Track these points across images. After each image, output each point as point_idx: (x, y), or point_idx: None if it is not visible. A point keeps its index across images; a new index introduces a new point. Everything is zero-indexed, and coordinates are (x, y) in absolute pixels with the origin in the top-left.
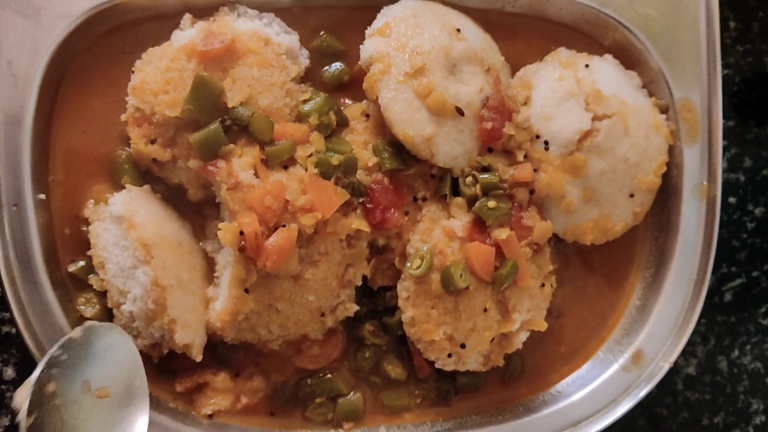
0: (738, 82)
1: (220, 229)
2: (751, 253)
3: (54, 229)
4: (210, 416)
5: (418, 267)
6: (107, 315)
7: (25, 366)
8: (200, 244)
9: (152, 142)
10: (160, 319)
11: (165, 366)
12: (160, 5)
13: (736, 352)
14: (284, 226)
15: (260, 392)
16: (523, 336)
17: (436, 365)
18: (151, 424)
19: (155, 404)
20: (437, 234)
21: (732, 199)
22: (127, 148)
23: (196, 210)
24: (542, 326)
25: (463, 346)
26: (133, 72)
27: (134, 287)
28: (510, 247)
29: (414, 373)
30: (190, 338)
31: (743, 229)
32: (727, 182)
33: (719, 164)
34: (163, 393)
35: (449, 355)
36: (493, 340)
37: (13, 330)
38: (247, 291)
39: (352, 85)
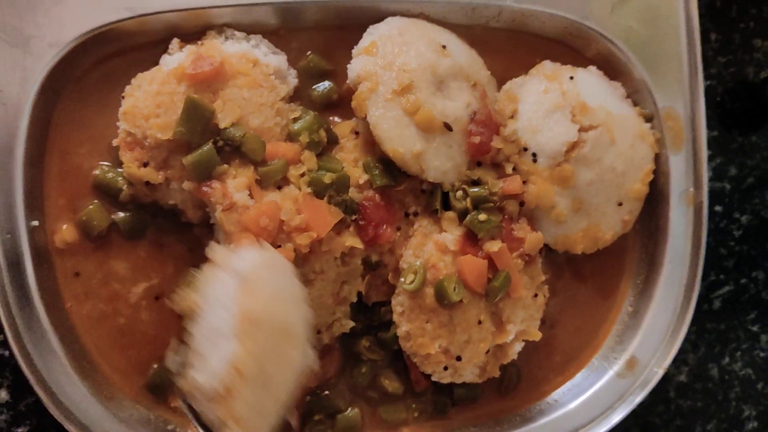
0: (721, 93)
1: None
2: (739, 261)
3: (49, 251)
4: None
5: (412, 282)
6: None
7: (18, 389)
8: None
9: (145, 165)
10: (221, 408)
11: (156, 386)
12: (148, 30)
13: (727, 359)
14: (279, 246)
15: None
16: (518, 346)
17: (433, 378)
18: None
19: (153, 427)
20: (429, 248)
21: (718, 208)
22: (103, 165)
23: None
24: (536, 336)
25: (458, 358)
26: (123, 97)
27: (213, 356)
28: (502, 259)
29: (411, 386)
30: None
31: (730, 237)
32: (713, 191)
33: (705, 170)
34: (156, 409)
35: (445, 368)
36: (488, 351)
37: (7, 353)
38: None
39: (341, 103)
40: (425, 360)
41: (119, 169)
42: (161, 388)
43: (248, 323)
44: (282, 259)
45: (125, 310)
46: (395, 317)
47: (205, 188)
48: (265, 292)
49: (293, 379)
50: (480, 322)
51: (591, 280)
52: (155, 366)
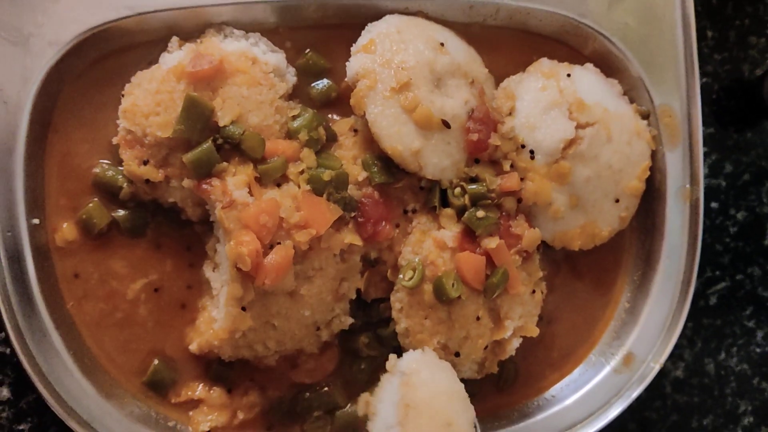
0: (717, 90)
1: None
2: (735, 257)
3: (50, 250)
4: None
5: (411, 278)
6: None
7: (20, 386)
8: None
9: (145, 163)
10: None
11: (159, 383)
12: (148, 29)
13: (723, 355)
14: (279, 243)
15: (256, 407)
16: (516, 342)
17: None
18: (113, 427)
19: (154, 423)
20: (428, 245)
21: (714, 204)
22: (103, 163)
23: (183, 232)
24: (534, 332)
25: (457, 354)
26: (123, 95)
27: None
28: (500, 255)
29: None
30: None
31: (726, 233)
32: (709, 188)
33: (701, 166)
34: (156, 405)
35: None
36: (486, 347)
37: (8, 350)
38: (244, 309)
39: (340, 101)
40: None
41: (119, 167)
42: (161, 385)
43: (406, 408)
44: (442, 361)
45: (125, 307)
46: (394, 314)
47: (204, 186)
48: (426, 381)
49: None
50: (478, 318)
51: (588, 276)
52: (156, 362)
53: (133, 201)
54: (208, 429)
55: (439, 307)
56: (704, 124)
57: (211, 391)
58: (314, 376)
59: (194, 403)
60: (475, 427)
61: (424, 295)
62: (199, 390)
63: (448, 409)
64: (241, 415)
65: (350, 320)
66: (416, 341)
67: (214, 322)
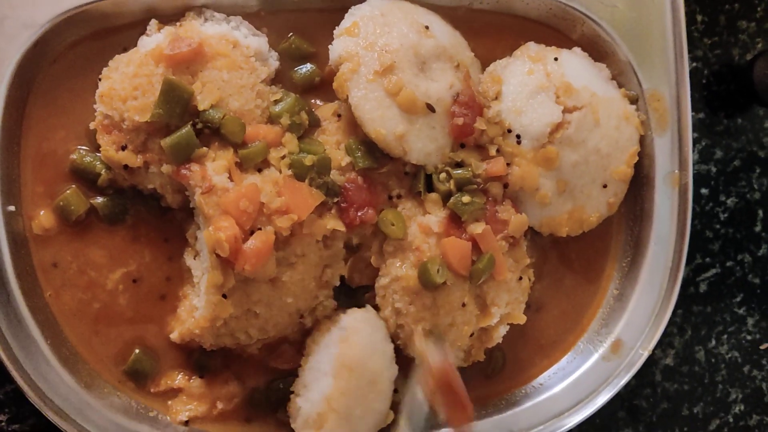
0: (707, 75)
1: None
2: (725, 244)
3: (27, 238)
4: (186, 423)
5: (395, 264)
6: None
7: None
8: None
9: (123, 148)
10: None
11: (139, 372)
12: (125, 12)
13: (713, 342)
14: (260, 229)
15: (236, 397)
16: (503, 330)
17: (417, 362)
18: (115, 428)
19: (134, 413)
20: (413, 230)
21: (704, 191)
22: (80, 149)
23: (163, 219)
24: (521, 320)
25: None
26: (100, 79)
27: (314, 389)
28: (486, 241)
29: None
30: None
31: (716, 219)
32: (699, 174)
33: (690, 152)
34: (133, 393)
35: None
36: (472, 335)
37: None
38: (224, 296)
39: (323, 86)
40: (408, 341)
41: (97, 154)
42: (141, 374)
43: (342, 366)
44: (380, 321)
45: (103, 297)
46: (378, 300)
47: (183, 171)
48: (362, 342)
49: (375, 425)
50: (464, 305)
51: (576, 262)
52: (137, 351)
53: (111, 188)
54: (186, 419)
55: (424, 293)
56: (694, 109)
57: (191, 381)
58: (295, 362)
59: (173, 393)
60: (396, 389)
61: (409, 281)
62: (178, 379)
63: (375, 367)
64: (220, 405)
65: (333, 305)
66: (400, 327)
67: (196, 311)
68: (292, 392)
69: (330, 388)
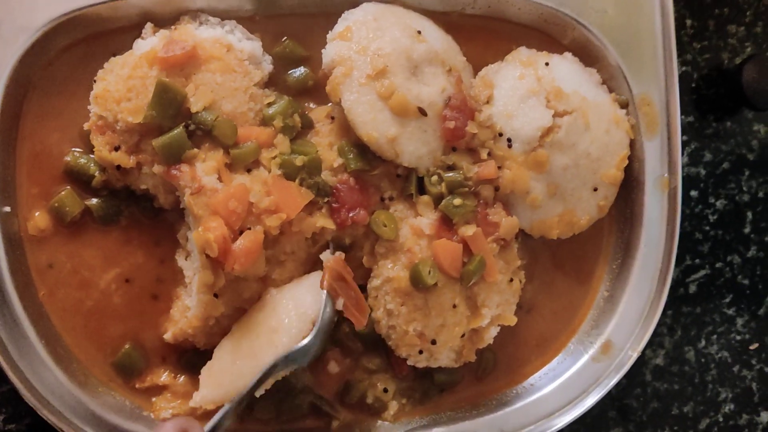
0: (696, 79)
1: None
2: (714, 245)
3: (22, 239)
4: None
5: (387, 266)
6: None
7: None
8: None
9: (116, 149)
10: None
11: (127, 366)
12: (122, 15)
13: (703, 342)
14: (249, 228)
15: None
16: (494, 331)
17: (408, 362)
18: (110, 427)
19: (112, 405)
20: (405, 232)
21: (694, 193)
22: (75, 151)
23: (156, 219)
24: (512, 321)
25: (433, 342)
26: (95, 81)
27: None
28: (477, 243)
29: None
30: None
31: (705, 221)
32: (689, 176)
33: (679, 156)
34: (119, 389)
35: (420, 352)
36: (463, 335)
37: None
38: (216, 295)
39: (317, 89)
40: (400, 342)
41: (91, 156)
42: (129, 369)
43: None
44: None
45: (97, 296)
46: (370, 301)
47: (174, 172)
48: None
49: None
50: (455, 306)
51: (567, 264)
52: (127, 346)
53: (105, 189)
54: (169, 416)
55: (415, 294)
56: (684, 112)
57: (177, 378)
58: None
59: (158, 390)
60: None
61: (400, 282)
62: (164, 376)
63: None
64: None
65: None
66: (391, 327)
67: (188, 311)
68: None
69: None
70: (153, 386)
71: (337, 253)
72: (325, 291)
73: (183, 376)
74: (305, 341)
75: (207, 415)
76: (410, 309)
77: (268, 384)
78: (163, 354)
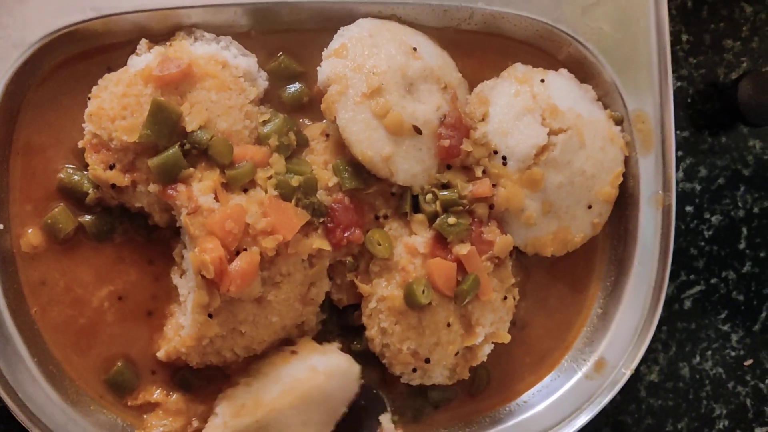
0: (692, 94)
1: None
2: (709, 261)
3: (14, 255)
4: None
5: (382, 285)
6: None
7: None
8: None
9: (111, 167)
10: None
11: (119, 384)
12: (116, 31)
13: (698, 358)
14: (245, 249)
15: None
16: (488, 348)
17: (402, 380)
18: None
19: (104, 423)
20: (399, 251)
21: (689, 208)
22: (68, 168)
23: (150, 237)
24: (506, 339)
25: (427, 360)
26: (89, 98)
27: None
28: (471, 262)
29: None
30: None
31: (700, 237)
32: (684, 192)
33: (673, 173)
34: (111, 407)
35: (414, 370)
36: (457, 353)
37: None
38: (210, 316)
39: (312, 106)
40: (393, 361)
41: (85, 172)
42: (121, 387)
43: (298, 390)
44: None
45: (90, 314)
46: (365, 320)
47: (170, 191)
48: (326, 390)
49: None
50: (449, 325)
51: (561, 281)
52: (119, 364)
53: (99, 206)
54: None
55: (409, 313)
56: (679, 127)
57: (170, 396)
58: None
59: (150, 407)
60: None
61: (395, 301)
62: (156, 394)
63: (315, 415)
64: (195, 423)
65: (318, 325)
66: (385, 346)
67: (182, 329)
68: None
69: (275, 395)
70: (145, 404)
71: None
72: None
73: (175, 394)
74: None
75: None
76: (404, 328)
77: None
78: (152, 368)
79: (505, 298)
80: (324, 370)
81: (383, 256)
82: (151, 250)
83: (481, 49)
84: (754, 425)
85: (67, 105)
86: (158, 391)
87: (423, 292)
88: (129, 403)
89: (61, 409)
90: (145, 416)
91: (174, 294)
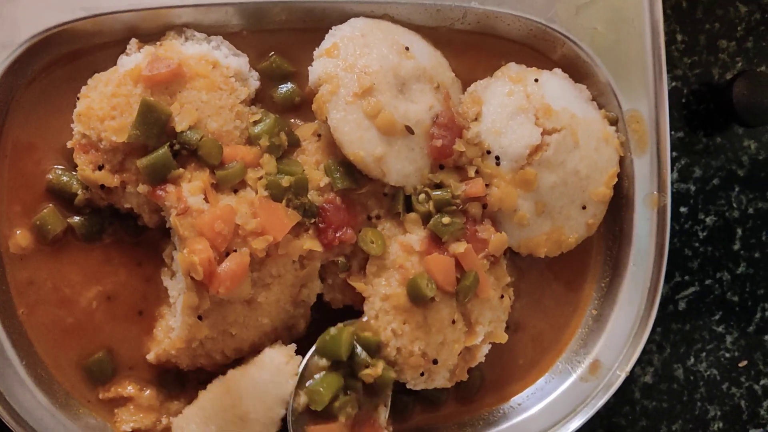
0: (686, 94)
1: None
2: (704, 262)
3: (2, 257)
4: None
5: (383, 284)
6: None
7: None
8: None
9: (100, 168)
10: None
11: (95, 373)
12: (106, 30)
13: (692, 360)
14: (235, 250)
15: None
16: (486, 349)
17: (408, 386)
18: None
19: (93, 427)
20: (395, 249)
21: (683, 209)
22: (57, 168)
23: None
24: (503, 338)
25: (435, 362)
26: (78, 98)
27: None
28: (468, 259)
29: None
30: None
31: (695, 238)
32: (678, 192)
33: (668, 173)
34: (82, 398)
35: (421, 374)
36: (459, 354)
37: None
38: (200, 318)
39: (303, 106)
40: (405, 366)
41: (74, 173)
42: (97, 376)
43: (222, 383)
44: (291, 374)
45: (78, 314)
46: (372, 323)
47: (159, 192)
48: (254, 379)
49: None
50: (454, 322)
51: (555, 283)
52: (100, 354)
53: (88, 207)
54: (130, 429)
55: (415, 310)
56: (674, 128)
57: (143, 391)
58: None
59: (122, 401)
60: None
61: (399, 299)
62: (129, 388)
63: (249, 408)
64: (164, 421)
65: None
66: (397, 349)
67: (172, 332)
68: None
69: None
70: (117, 397)
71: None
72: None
73: (149, 390)
74: None
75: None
76: (413, 327)
77: None
78: (131, 365)
79: (502, 296)
80: (255, 360)
81: (377, 254)
82: (140, 252)
83: (475, 49)
84: (748, 427)
85: (56, 105)
86: (131, 386)
87: (427, 285)
88: (100, 395)
89: (50, 413)
90: (116, 410)
91: (164, 296)
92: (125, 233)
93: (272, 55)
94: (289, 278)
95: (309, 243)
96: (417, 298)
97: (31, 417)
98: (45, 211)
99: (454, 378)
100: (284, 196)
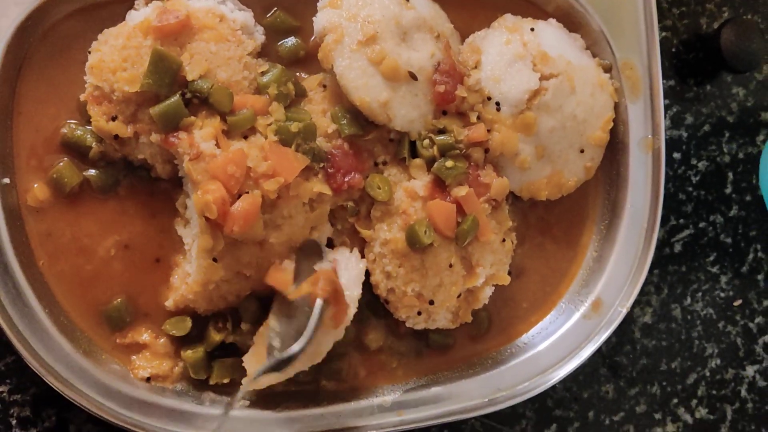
0: (676, 44)
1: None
2: (697, 205)
3: (21, 210)
4: (148, 380)
5: (384, 229)
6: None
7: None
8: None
9: (113, 119)
10: None
11: (112, 319)
12: None
13: (689, 300)
14: (247, 192)
15: None
16: (489, 291)
17: (407, 324)
18: (115, 394)
19: (116, 372)
20: (400, 195)
21: (676, 155)
22: (71, 123)
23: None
24: (506, 280)
25: (431, 302)
26: (90, 52)
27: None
28: (470, 203)
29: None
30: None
31: (688, 182)
32: (671, 139)
33: (662, 117)
34: (105, 344)
35: (419, 313)
36: (459, 296)
37: None
38: (215, 260)
39: (308, 59)
40: (399, 305)
41: (88, 127)
42: (114, 321)
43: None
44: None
45: (96, 262)
46: (369, 265)
47: (172, 139)
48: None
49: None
50: (451, 266)
51: (556, 227)
52: (118, 300)
53: (103, 160)
54: (148, 375)
55: (412, 255)
56: (665, 77)
57: (158, 339)
58: None
59: (138, 348)
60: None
61: (397, 243)
62: (145, 336)
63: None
64: (180, 366)
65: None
66: (389, 289)
67: (188, 277)
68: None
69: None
70: (133, 343)
71: (328, 264)
72: (320, 300)
73: (164, 338)
74: (292, 350)
75: (184, 374)
76: (407, 270)
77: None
78: (147, 311)
79: (504, 240)
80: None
81: (383, 199)
82: (154, 203)
83: (471, 2)
84: (744, 363)
85: (68, 61)
86: (147, 333)
87: (425, 232)
88: (118, 341)
89: (74, 359)
90: (133, 357)
91: (179, 246)
92: (139, 185)
93: (276, 10)
94: (299, 220)
95: (319, 186)
96: (415, 244)
97: (59, 363)
98: (61, 164)
99: (457, 319)
100: (293, 141)
